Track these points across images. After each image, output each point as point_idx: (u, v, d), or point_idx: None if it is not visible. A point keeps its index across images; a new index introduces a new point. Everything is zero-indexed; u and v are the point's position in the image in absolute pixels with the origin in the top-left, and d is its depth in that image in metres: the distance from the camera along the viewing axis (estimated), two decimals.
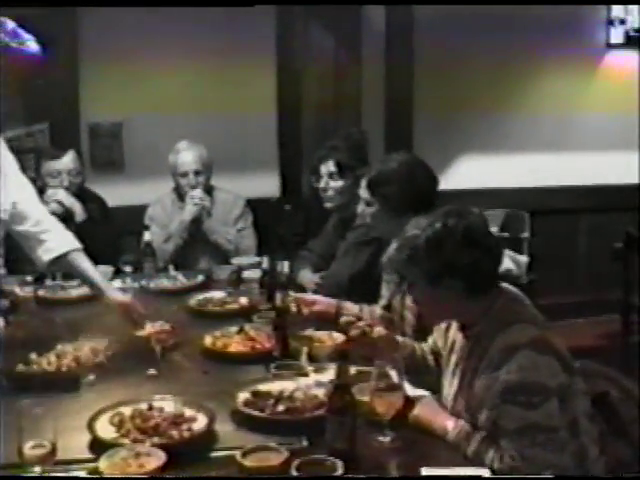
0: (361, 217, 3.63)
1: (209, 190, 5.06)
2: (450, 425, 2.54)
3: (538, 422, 2.36)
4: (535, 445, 2.35)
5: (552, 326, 2.60)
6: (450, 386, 2.69)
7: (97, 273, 3.60)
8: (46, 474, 2.22)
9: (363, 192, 3.49)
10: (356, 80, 5.84)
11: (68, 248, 3.50)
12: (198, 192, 4.91)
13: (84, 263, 3.55)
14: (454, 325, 2.74)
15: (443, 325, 2.84)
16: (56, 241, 3.48)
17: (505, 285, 2.67)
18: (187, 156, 4.98)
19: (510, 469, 2.36)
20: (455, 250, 2.51)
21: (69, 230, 4.08)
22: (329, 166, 4.35)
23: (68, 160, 4.72)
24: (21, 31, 3.15)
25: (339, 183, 4.34)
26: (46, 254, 3.46)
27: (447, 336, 2.79)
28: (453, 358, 2.70)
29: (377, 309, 3.67)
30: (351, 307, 3.66)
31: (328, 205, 4.42)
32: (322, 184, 4.38)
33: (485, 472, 2.30)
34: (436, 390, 2.80)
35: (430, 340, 2.98)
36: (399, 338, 3.06)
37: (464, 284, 2.53)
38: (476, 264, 2.52)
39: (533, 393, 2.38)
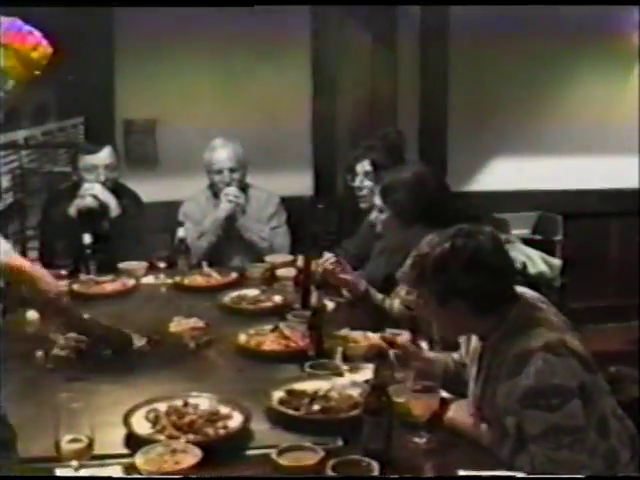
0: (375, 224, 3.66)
1: (244, 188, 5.05)
2: (484, 427, 2.53)
3: (561, 424, 2.35)
4: (561, 447, 2.34)
5: (575, 328, 2.59)
6: (474, 395, 2.68)
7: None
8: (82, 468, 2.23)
9: (377, 199, 3.49)
10: (391, 79, 5.82)
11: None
12: (233, 189, 4.91)
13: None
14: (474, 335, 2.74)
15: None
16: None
17: (522, 290, 2.66)
18: (222, 153, 4.98)
19: (542, 473, 2.34)
20: (459, 272, 2.50)
21: (102, 225, 4.14)
22: (365, 165, 4.35)
23: (105, 155, 4.73)
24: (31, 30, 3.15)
25: (373, 183, 4.33)
26: None
27: (469, 346, 2.79)
28: (475, 367, 2.70)
29: (396, 303, 3.67)
30: (374, 294, 3.74)
31: (363, 205, 4.41)
32: (357, 183, 4.39)
33: (521, 476, 2.29)
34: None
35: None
36: (431, 354, 3.04)
37: (470, 304, 2.53)
38: (481, 287, 2.51)
39: (552, 395, 2.36)
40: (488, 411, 2.57)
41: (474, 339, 2.74)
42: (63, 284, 4.07)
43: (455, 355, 2.98)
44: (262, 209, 5.11)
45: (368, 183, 4.34)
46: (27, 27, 3.03)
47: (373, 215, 3.58)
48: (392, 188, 3.47)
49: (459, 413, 2.63)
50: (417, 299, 2.69)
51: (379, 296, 3.72)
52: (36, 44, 3.06)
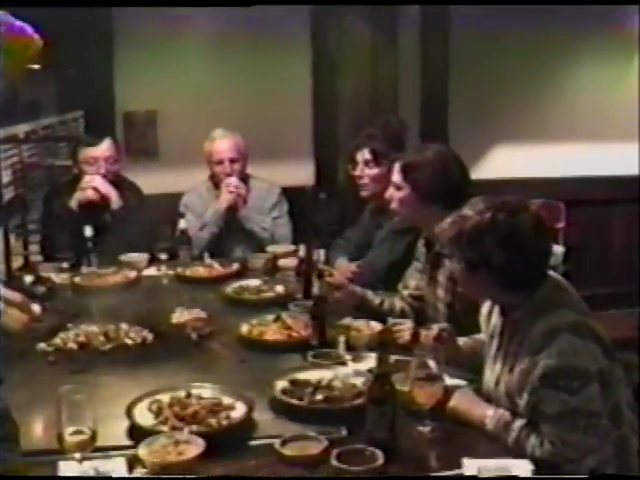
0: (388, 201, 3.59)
1: (244, 178, 5.05)
2: (488, 415, 2.53)
3: (579, 407, 2.36)
4: (576, 430, 2.35)
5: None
6: (492, 371, 2.68)
7: None
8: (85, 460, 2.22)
9: (395, 176, 3.46)
10: (392, 68, 5.80)
11: None
12: (234, 180, 4.90)
13: None
14: (496, 310, 2.74)
15: (485, 311, 2.84)
16: None
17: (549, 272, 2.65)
18: (223, 144, 4.97)
19: (551, 455, 2.36)
20: (493, 246, 2.50)
21: (104, 217, 4.13)
22: (365, 154, 4.33)
23: (105, 147, 4.71)
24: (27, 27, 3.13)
25: (374, 171, 4.32)
26: None
27: (489, 321, 2.79)
28: (494, 343, 2.69)
29: (397, 302, 3.66)
30: (372, 298, 3.69)
31: (364, 193, 4.40)
32: (358, 172, 4.37)
33: (526, 464, 2.28)
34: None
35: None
36: (460, 340, 3.01)
37: (498, 279, 2.53)
38: (512, 264, 2.51)
39: (573, 377, 2.37)
40: (503, 388, 2.57)
41: (495, 315, 2.74)
42: (65, 277, 4.08)
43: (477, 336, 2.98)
44: (263, 200, 5.10)
45: (368, 172, 4.33)
46: (16, 22, 3.01)
47: (388, 192, 3.53)
48: (414, 165, 3.40)
49: (461, 401, 2.62)
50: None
51: (377, 300, 3.69)
52: (28, 41, 3.04)
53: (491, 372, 2.68)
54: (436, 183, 3.38)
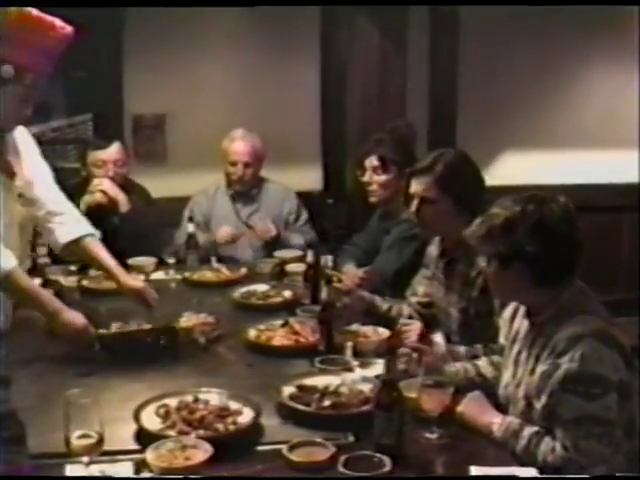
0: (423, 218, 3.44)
1: (259, 182, 5.09)
2: (496, 422, 2.53)
3: (596, 414, 2.36)
4: (591, 437, 2.35)
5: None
6: (511, 375, 2.68)
7: (112, 260, 3.60)
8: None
9: (429, 192, 3.31)
10: (401, 73, 5.79)
11: (83, 232, 3.55)
12: (226, 231, 4.95)
13: (98, 249, 3.58)
14: (520, 313, 2.74)
15: (508, 314, 2.84)
16: (72, 225, 3.54)
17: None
18: (240, 146, 5.00)
19: (562, 461, 2.36)
20: (526, 236, 2.51)
21: (112, 220, 4.13)
22: (373, 160, 4.32)
23: (113, 150, 4.72)
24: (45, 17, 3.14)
25: (383, 177, 4.31)
26: (62, 237, 3.51)
27: (512, 326, 2.79)
28: (516, 346, 2.70)
29: (405, 308, 3.66)
30: (380, 304, 3.69)
31: (372, 199, 4.39)
32: (367, 178, 4.36)
33: (532, 471, 2.28)
34: None
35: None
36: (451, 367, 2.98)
37: (531, 271, 2.53)
38: (545, 253, 2.52)
39: (594, 384, 2.37)
40: (522, 391, 2.58)
41: (518, 318, 2.75)
42: (73, 279, 4.08)
43: (480, 362, 2.97)
44: (278, 204, 5.14)
45: (377, 178, 4.32)
46: (36, 13, 3.02)
47: (414, 206, 3.37)
48: (452, 177, 3.30)
49: (470, 407, 2.62)
50: (482, 259, 2.68)
51: (385, 306, 3.68)
52: (47, 30, 3.06)
53: (510, 376, 2.68)
54: (475, 189, 3.35)
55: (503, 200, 2.63)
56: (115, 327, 3.39)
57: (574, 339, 2.42)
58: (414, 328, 3.24)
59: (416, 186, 3.36)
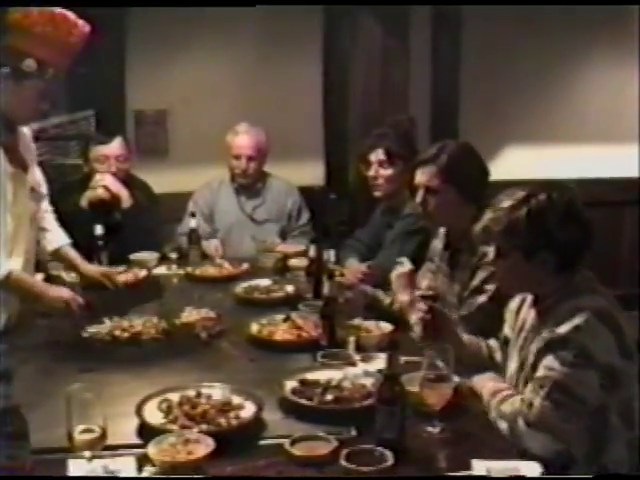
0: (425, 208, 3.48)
1: (262, 177, 5.10)
2: (487, 385, 2.62)
3: (564, 381, 2.39)
4: (551, 401, 2.39)
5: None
6: (516, 365, 2.70)
7: (84, 262, 3.87)
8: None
9: (432, 181, 3.36)
10: (403, 68, 5.78)
11: (66, 241, 3.85)
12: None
13: (74, 254, 3.87)
14: (526, 304, 2.76)
15: (514, 306, 2.85)
16: (57, 234, 3.82)
17: None
18: (244, 140, 5.00)
19: (513, 415, 2.44)
20: (557, 224, 2.53)
21: (114, 216, 4.18)
22: (379, 154, 4.30)
23: (116, 146, 4.71)
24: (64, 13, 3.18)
25: (389, 171, 4.30)
26: (50, 245, 3.79)
27: (518, 317, 2.80)
28: (522, 335, 2.71)
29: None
30: (383, 298, 3.70)
31: (377, 194, 4.38)
32: (372, 172, 4.33)
33: (535, 465, 2.27)
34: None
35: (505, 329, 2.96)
36: (465, 337, 3.03)
37: (558, 258, 2.55)
38: (573, 240, 2.55)
39: (576, 354, 2.40)
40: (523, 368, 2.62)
41: (524, 309, 2.77)
42: (74, 275, 4.10)
43: (491, 341, 2.99)
44: (282, 199, 5.17)
45: (383, 172, 4.30)
46: (60, 11, 3.05)
47: (419, 197, 3.42)
48: (456, 166, 3.34)
49: (480, 380, 2.72)
50: (494, 257, 2.68)
51: (388, 300, 3.68)
52: (70, 27, 3.08)
53: (516, 365, 2.70)
54: (479, 180, 3.37)
55: (510, 192, 2.63)
56: (115, 321, 3.44)
57: (573, 311, 2.45)
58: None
59: (421, 176, 3.41)
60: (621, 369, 2.44)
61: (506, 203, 2.60)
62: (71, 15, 3.12)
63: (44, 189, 3.67)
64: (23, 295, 3.44)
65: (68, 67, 3.24)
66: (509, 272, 2.68)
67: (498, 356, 2.94)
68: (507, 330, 2.87)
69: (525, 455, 2.36)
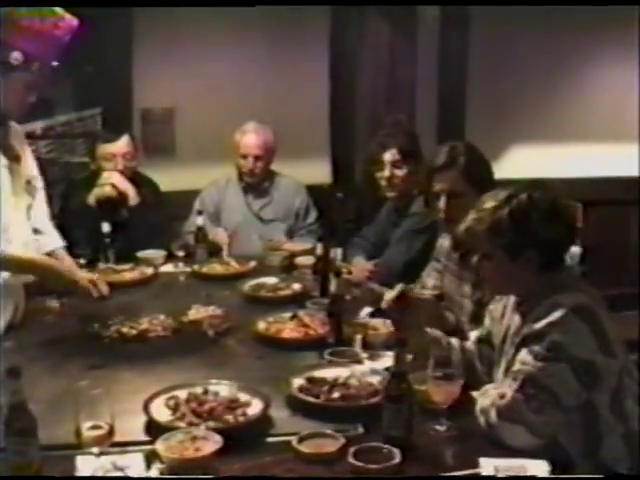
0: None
1: (270, 176, 5.11)
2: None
3: (535, 375, 2.39)
4: (520, 392, 2.39)
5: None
6: (502, 371, 2.68)
7: (74, 266, 3.79)
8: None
9: (456, 185, 3.34)
10: (410, 68, 5.79)
11: (60, 244, 3.81)
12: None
13: (67, 257, 3.82)
14: (509, 309, 2.75)
15: (498, 313, 2.83)
16: (51, 237, 3.77)
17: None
18: (251, 139, 5.00)
19: (485, 407, 2.43)
20: (540, 223, 2.53)
21: (121, 213, 4.19)
22: (394, 154, 4.28)
23: (123, 144, 4.71)
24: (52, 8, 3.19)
25: (404, 170, 4.29)
26: (43, 247, 3.70)
27: (502, 323, 2.79)
28: (508, 340, 2.70)
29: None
30: (389, 296, 3.67)
31: (391, 194, 4.36)
32: (387, 173, 4.30)
33: (542, 463, 2.27)
34: None
35: (481, 331, 2.95)
36: (446, 339, 3.02)
37: (542, 257, 2.55)
38: (557, 238, 2.56)
39: (549, 348, 2.40)
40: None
41: (508, 314, 2.75)
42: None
43: (470, 344, 2.98)
44: (290, 198, 5.17)
45: (398, 172, 4.28)
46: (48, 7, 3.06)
47: (442, 203, 3.37)
48: (475, 168, 3.36)
49: None
50: (478, 257, 2.68)
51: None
52: (57, 20, 3.09)
53: (502, 372, 2.69)
54: (491, 178, 3.40)
55: (493, 194, 2.64)
56: (122, 319, 3.44)
57: (552, 307, 2.45)
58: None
59: (442, 183, 3.39)
60: (602, 365, 2.44)
61: (489, 204, 2.60)
62: (57, 8, 3.13)
63: (39, 183, 3.64)
64: (49, 274, 3.41)
65: (55, 60, 3.23)
66: (495, 273, 2.68)
67: (478, 363, 2.91)
68: (494, 334, 2.86)
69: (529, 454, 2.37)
